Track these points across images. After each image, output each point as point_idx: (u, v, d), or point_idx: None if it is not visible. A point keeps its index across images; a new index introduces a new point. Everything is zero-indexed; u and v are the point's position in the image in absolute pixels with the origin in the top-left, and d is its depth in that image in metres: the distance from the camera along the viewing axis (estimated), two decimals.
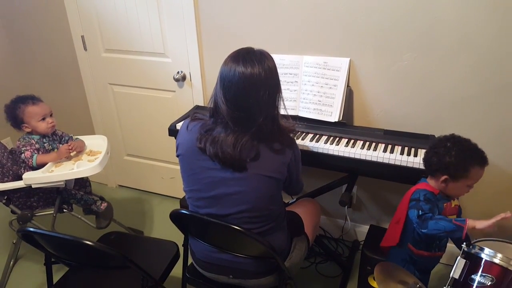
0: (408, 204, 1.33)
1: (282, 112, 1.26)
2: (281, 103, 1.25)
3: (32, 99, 1.77)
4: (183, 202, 1.87)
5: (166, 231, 2.16)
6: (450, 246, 1.47)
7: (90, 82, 2.36)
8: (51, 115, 1.80)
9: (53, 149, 1.81)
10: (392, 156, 1.48)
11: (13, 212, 1.78)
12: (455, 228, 1.19)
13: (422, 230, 1.24)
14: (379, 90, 1.72)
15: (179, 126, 1.77)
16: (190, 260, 1.43)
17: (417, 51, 1.59)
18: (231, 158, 1.16)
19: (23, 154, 1.72)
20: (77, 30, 2.22)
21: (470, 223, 1.18)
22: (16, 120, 1.75)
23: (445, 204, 1.34)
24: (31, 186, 1.67)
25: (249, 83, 1.13)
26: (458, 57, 1.55)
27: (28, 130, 1.76)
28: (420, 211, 1.25)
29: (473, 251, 1.16)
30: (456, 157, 1.25)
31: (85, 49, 2.26)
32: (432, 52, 1.57)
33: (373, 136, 1.62)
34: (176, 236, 1.48)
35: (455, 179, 1.27)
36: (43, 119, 1.76)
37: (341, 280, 1.86)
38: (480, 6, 1.45)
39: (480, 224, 1.18)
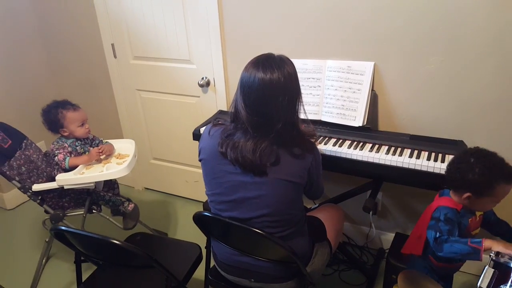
0: (429, 220, 1.28)
1: (302, 116, 1.25)
2: (301, 108, 1.24)
3: (72, 105, 1.85)
4: (206, 205, 1.90)
5: (190, 233, 2.20)
6: None
7: (119, 88, 2.46)
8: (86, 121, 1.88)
9: (84, 152, 1.89)
10: (419, 161, 1.44)
11: (46, 212, 1.87)
12: (471, 251, 1.14)
13: (439, 253, 1.21)
14: (405, 94, 1.69)
15: (202, 130, 1.81)
16: (212, 263, 1.45)
17: (444, 54, 1.55)
18: (251, 163, 1.17)
19: (56, 157, 1.81)
20: (107, 39, 2.32)
21: (487, 244, 1.13)
22: (55, 125, 1.82)
23: (470, 220, 1.28)
24: (63, 187, 1.76)
25: (269, 89, 1.14)
26: (487, 60, 1.49)
27: (66, 134, 1.84)
28: (438, 233, 1.21)
29: (502, 260, 1.11)
30: (480, 175, 1.18)
31: (115, 56, 2.36)
32: (460, 55, 1.52)
33: (398, 141, 1.58)
34: (199, 238, 1.51)
35: (479, 196, 1.21)
36: (82, 125, 1.85)
37: None
38: (509, 7, 1.39)
39: (499, 247, 1.11)
